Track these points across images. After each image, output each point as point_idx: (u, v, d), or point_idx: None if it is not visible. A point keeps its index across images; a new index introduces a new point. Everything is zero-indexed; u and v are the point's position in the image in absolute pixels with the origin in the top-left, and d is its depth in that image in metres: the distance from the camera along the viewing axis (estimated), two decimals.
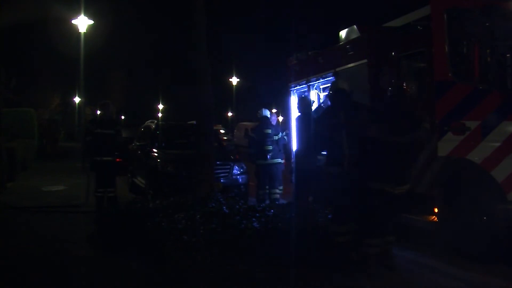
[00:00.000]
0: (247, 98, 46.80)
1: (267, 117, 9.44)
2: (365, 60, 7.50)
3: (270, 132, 9.27)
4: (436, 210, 6.12)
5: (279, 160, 9.39)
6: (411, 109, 5.36)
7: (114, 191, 8.69)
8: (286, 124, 10.47)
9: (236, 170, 9.49)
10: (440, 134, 5.93)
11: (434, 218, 6.14)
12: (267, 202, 8.93)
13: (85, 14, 17.17)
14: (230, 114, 50.86)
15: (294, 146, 8.83)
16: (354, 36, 8.17)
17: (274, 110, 29.74)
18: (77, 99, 34.91)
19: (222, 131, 29.81)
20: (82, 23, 17.09)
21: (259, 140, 9.27)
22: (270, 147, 9.19)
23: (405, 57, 6.84)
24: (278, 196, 9.41)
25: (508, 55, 5.48)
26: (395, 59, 6.97)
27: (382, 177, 5.07)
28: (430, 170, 6.19)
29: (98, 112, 8.87)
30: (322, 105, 8.70)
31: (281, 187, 9.43)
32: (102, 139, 8.50)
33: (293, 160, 8.28)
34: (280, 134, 9.46)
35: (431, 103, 6.10)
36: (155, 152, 9.91)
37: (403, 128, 5.08)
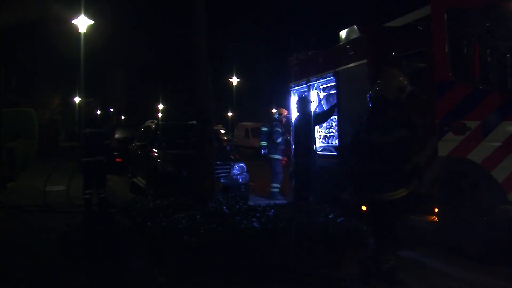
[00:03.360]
0: (247, 98, 46.75)
1: (274, 117, 10.94)
2: (365, 60, 7.50)
3: (265, 130, 10.90)
4: (436, 210, 6.12)
5: (274, 156, 10.56)
6: (391, 108, 4.73)
7: (105, 191, 8.66)
8: (287, 124, 10.65)
9: (236, 170, 9.50)
10: (440, 134, 5.93)
11: (434, 218, 6.14)
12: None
13: (85, 14, 17.18)
14: (230, 114, 50.82)
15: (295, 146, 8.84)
16: (354, 36, 8.16)
17: (274, 110, 29.76)
18: (77, 99, 34.87)
19: (222, 131, 29.81)
20: (82, 23, 17.10)
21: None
22: (263, 143, 10.80)
23: (405, 57, 6.84)
24: (274, 190, 10.39)
25: (508, 55, 5.48)
26: (395, 59, 6.98)
27: (369, 186, 4.62)
28: (430, 170, 6.19)
29: (85, 110, 8.79)
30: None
31: (276, 184, 10.51)
32: (92, 138, 8.43)
33: (292, 160, 8.30)
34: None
35: (431, 103, 6.11)
36: (155, 152, 9.90)
37: (382, 128, 4.59)
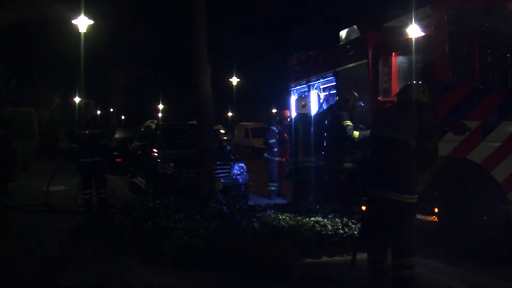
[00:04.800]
0: (247, 98, 46.71)
1: (276, 117, 11.21)
2: (365, 60, 7.50)
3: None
4: (436, 210, 6.11)
5: (265, 155, 10.92)
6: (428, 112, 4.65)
7: (106, 191, 8.66)
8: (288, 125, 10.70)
9: (236, 170, 9.50)
10: (440, 134, 5.93)
11: (434, 218, 6.14)
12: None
13: (85, 14, 17.18)
14: (230, 114, 50.80)
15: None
16: (354, 36, 8.16)
17: (274, 110, 29.78)
18: (77, 99, 34.91)
19: (222, 131, 29.79)
20: (82, 23, 17.10)
21: None
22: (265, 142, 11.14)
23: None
24: (271, 189, 10.68)
25: (508, 55, 5.49)
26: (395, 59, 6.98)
27: (384, 182, 4.43)
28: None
29: (83, 111, 8.80)
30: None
31: (272, 183, 10.74)
32: (91, 139, 8.43)
33: (291, 159, 8.30)
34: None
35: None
36: (155, 152, 9.91)
37: (424, 134, 4.44)
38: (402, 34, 7.10)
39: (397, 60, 7.03)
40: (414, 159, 4.36)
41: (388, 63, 7.20)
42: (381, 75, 7.23)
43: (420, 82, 4.84)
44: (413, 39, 6.56)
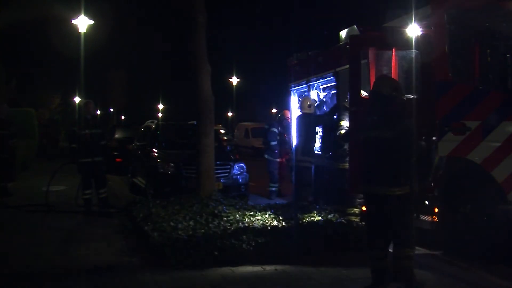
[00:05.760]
0: (247, 98, 46.69)
1: (278, 117, 11.31)
2: (365, 60, 7.49)
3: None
4: (436, 210, 6.12)
5: (265, 156, 10.93)
6: (390, 103, 4.51)
7: (106, 191, 8.67)
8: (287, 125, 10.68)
9: (236, 170, 9.51)
10: (440, 134, 5.93)
11: (434, 218, 6.14)
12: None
13: (85, 14, 17.20)
14: (230, 114, 50.81)
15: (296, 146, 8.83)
16: None
17: (274, 110, 29.79)
18: (77, 99, 34.89)
19: (222, 131, 29.80)
20: (82, 23, 17.12)
21: None
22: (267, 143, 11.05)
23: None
24: (271, 190, 10.73)
25: (508, 55, 5.49)
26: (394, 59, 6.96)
27: (370, 178, 4.52)
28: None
29: (83, 111, 8.81)
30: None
31: (272, 184, 10.76)
32: (91, 139, 8.44)
33: (292, 159, 8.32)
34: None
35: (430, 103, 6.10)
36: (155, 152, 9.91)
37: (387, 123, 4.44)
38: (401, 33, 7.09)
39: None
40: (397, 153, 4.38)
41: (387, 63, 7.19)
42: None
43: (389, 76, 4.86)
44: (411, 39, 6.56)
